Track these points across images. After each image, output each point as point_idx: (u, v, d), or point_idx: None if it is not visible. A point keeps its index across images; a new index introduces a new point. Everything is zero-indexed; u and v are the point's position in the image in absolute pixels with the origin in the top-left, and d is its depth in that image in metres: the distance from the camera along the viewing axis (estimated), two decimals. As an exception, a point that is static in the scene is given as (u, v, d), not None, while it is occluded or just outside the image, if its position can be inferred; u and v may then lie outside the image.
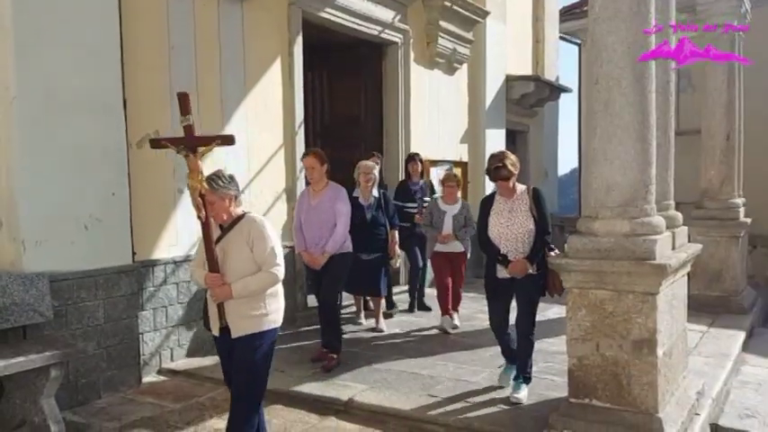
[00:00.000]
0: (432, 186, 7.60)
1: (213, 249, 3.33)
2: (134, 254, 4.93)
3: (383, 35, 7.97)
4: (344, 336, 5.97)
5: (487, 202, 4.44)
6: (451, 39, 9.11)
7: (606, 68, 3.57)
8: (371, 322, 6.42)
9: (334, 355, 5.12)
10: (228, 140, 3.35)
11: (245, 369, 3.38)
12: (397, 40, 8.21)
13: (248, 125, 6.14)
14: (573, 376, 3.70)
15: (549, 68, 12.87)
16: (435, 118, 9.14)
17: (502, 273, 4.27)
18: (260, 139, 6.29)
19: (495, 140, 10.59)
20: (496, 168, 4.19)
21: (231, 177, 3.41)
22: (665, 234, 3.71)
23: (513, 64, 11.32)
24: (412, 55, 8.52)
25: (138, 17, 5.06)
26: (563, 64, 14.21)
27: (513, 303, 4.46)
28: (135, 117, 4.97)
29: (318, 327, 5.52)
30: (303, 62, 6.78)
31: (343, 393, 4.52)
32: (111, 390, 4.70)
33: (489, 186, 10.17)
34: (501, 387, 4.52)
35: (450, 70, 9.50)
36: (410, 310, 7.14)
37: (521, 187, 4.37)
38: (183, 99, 3.24)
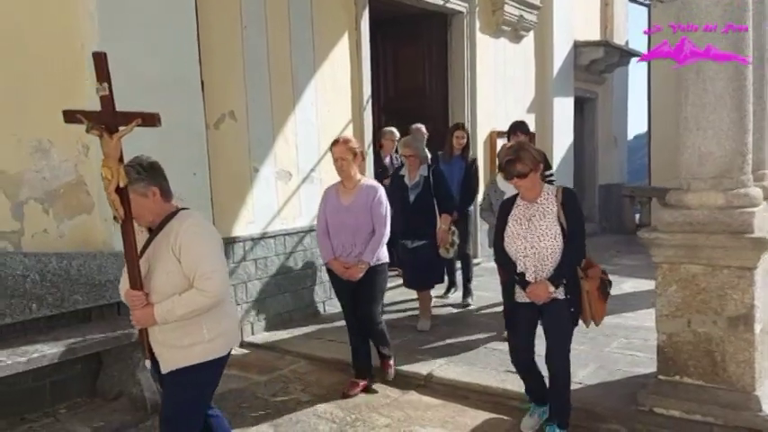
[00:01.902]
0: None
1: (134, 259, 2.56)
2: (215, 232, 5.07)
3: (448, 5, 7.83)
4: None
5: (507, 206, 3.52)
6: (518, 5, 8.87)
7: (698, 33, 3.39)
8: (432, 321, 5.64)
9: (360, 382, 4.36)
10: (152, 120, 2.49)
11: (172, 412, 2.70)
12: (462, 9, 8.05)
13: (318, 101, 6.18)
14: (662, 353, 3.60)
15: (617, 32, 12.42)
16: (501, 88, 8.96)
17: (522, 295, 3.43)
18: (329, 115, 6.32)
19: (564, 109, 10.34)
20: (509, 162, 3.28)
21: (151, 165, 2.65)
22: (763, 206, 3.53)
23: (580, 29, 10.96)
24: (477, 24, 8.34)
25: (213, -2, 5.13)
26: (632, 27, 13.67)
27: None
28: (211, 98, 5.07)
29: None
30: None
31: (422, 368, 4.55)
32: (199, 362, 4.87)
33: (556, 160, 9.97)
34: (585, 365, 4.42)
35: (517, 38, 9.27)
36: None
37: (548, 188, 3.44)
38: (98, 61, 2.49)
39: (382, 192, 4.33)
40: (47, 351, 3.53)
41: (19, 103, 3.99)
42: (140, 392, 4.02)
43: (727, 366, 3.41)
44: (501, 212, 3.55)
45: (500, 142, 8.48)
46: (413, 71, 8.48)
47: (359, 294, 4.30)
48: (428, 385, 4.40)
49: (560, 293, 3.34)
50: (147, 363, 2.74)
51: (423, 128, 6.97)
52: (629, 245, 10.95)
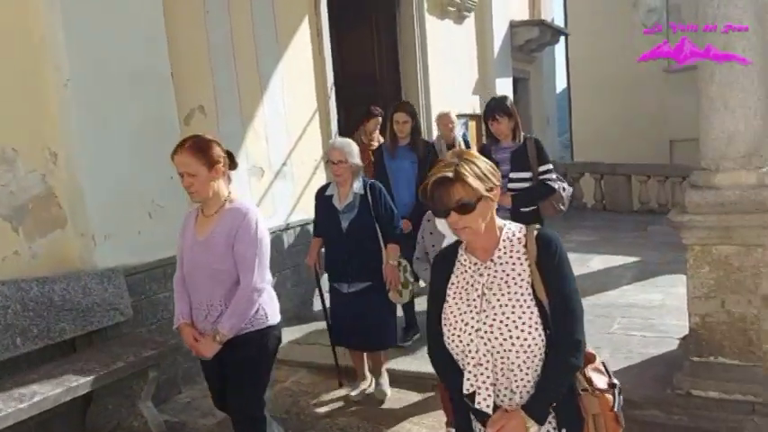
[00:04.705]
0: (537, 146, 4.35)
1: None
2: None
3: (398, -15, 7.60)
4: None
5: (444, 264, 2.00)
6: (463, -15, 8.77)
7: (724, 10, 3.35)
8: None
9: None
10: None
11: None
12: (411, -12, 7.84)
13: (284, 90, 5.80)
14: (695, 335, 3.59)
15: (545, 10, 12.62)
16: (450, 69, 8.84)
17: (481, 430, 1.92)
18: (295, 104, 5.97)
19: (505, 89, 10.37)
20: (437, 185, 1.80)
21: None
22: (793, 183, 3.57)
23: (513, 9, 11.03)
24: (425, 5, 8.16)
25: (175, -19, 4.64)
26: (556, 4, 13.92)
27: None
28: (180, 91, 4.60)
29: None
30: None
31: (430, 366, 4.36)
32: (190, 382, 4.45)
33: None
34: (598, 349, 4.35)
35: (460, 19, 9.19)
36: None
37: (510, 228, 1.92)
38: None
39: (253, 217, 2.76)
40: (48, 392, 3.04)
41: (-24, 107, 3.42)
42: (144, 425, 3.61)
43: (762, 344, 3.44)
44: (434, 275, 2.02)
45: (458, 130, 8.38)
46: (362, 55, 8.14)
47: (229, 381, 2.89)
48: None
49: (548, 426, 1.87)
50: None
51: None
52: (567, 220, 11.23)
